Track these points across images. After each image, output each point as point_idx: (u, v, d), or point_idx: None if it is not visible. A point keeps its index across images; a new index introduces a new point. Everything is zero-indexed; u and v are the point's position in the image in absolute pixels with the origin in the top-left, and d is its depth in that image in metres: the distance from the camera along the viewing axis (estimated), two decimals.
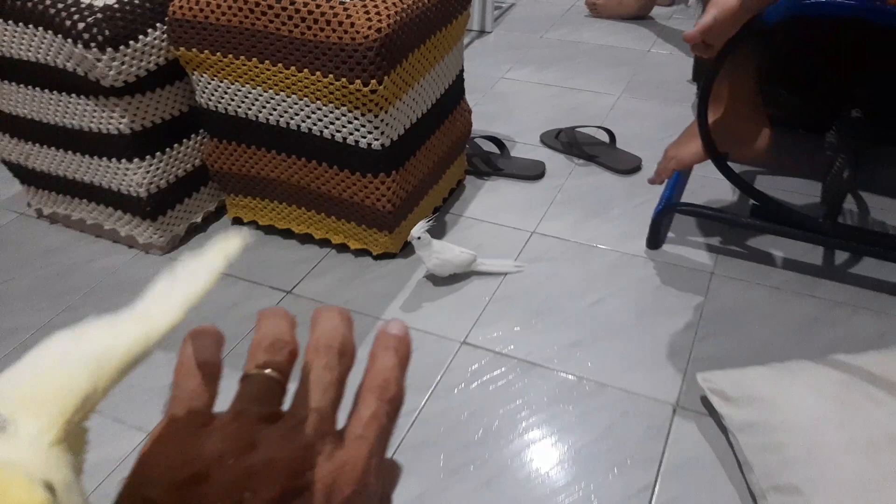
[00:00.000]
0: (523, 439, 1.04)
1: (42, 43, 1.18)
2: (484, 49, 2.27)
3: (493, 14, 2.38)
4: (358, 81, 1.10)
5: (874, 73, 1.35)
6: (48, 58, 1.19)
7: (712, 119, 1.23)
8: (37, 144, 1.36)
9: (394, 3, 1.12)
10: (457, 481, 0.98)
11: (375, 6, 1.09)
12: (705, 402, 1.08)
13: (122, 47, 1.14)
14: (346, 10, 1.07)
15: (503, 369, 1.15)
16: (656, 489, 0.97)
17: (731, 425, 0.98)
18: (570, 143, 1.70)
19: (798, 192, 1.53)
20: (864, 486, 0.84)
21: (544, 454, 1.02)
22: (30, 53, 1.21)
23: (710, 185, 1.55)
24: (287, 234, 1.44)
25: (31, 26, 1.17)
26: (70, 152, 1.32)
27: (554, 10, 2.53)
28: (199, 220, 1.44)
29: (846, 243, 1.25)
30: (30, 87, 1.27)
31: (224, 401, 0.29)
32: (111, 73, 1.14)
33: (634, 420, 1.06)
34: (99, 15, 1.12)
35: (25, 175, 1.44)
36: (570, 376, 1.13)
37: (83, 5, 1.13)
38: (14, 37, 1.21)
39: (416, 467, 1.00)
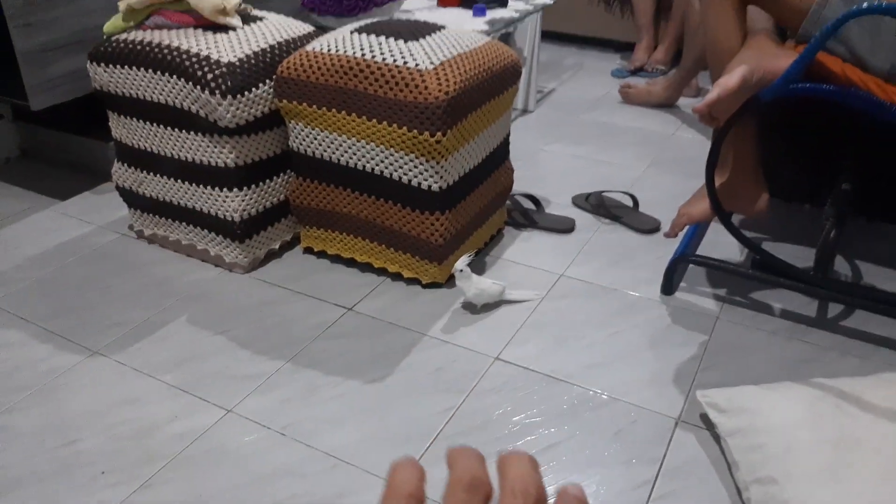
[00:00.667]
0: (544, 435, 1.22)
1: (174, 88, 1.47)
2: (527, 125, 2.55)
3: (535, 96, 2.67)
4: (426, 133, 1.36)
5: (861, 151, 1.57)
6: (177, 101, 1.48)
7: (718, 182, 1.45)
8: (150, 173, 1.63)
9: (460, 73, 1.39)
10: (489, 466, 1.16)
11: (445, 74, 1.36)
12: (704, 418, 1.25)
13: (239, 96, 1.42)
14: (422, 76, 1.35)
15: (530, 381, 1.34)
16: (656, 484, 1.14)
17: (722, 431, 1.16)
18: (598, 204, 1.93)
19: (797, 255, 1.73)
20: (829, 475, 1.01)
21: (560, 448, 1.20)
22: (161, 96, 1.50)
23: (720, 244, 1.75)
24: (351, 262, 1.67)
25: (166, 74, 1.47)
26: (179, 181, 1.59)
27: (590, 96, 2.82)
28: (276, 247, 1.69)
29: (834, 294, 1.44)
30: (155, 124, 1.56)
31: None
32: (228, 115, 1.42)
33: (641, 428, 1.24)
34: (224, 69, 1.41)
35: (134, 200, 1.71)
36: (587, 390, 1.32)
37: (212, 60, 1.42)
38: (150, 82, 1.50)
39: None
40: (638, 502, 1.10)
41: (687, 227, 1.72)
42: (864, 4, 1.15)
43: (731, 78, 1.24)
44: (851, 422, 1.08)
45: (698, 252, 1.72)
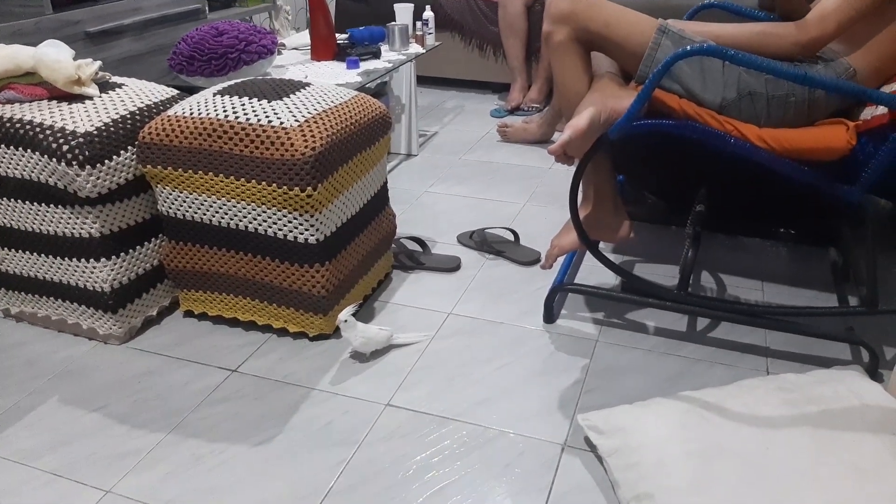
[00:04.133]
0: (436, 477, 1.23)
1: (29, 162, 1.42)
2: (410, 169, 2.61)
3: (418, 140, 2.74)
4: (297, 188, 1.37)
5: (711, 175, 1.70)
6: (32, 174, 1.43)
7: (583, 214, 1.54)
8: (12, 250, 1.56)
9: (326, 128, 1.42)
10: None
11: (311, 130, 1.39)
12: (587, 440, 1.30)
13: (98, 165, 1.39)
14: (287, 133, 1.36)
15: (421, 424, 1.35)
16: None
17: (602, 452, 1.21)
18: (481, 241, 1.99)
19: (668, 274, 1.84)
20: (698, 485, 1.07)
21: (452, 488, 1.21)
22: (17, 170, 1.44)
23: (597, 270, 1.84)
24: (234, 322, 1.64)
25: (20, 148, 1.41)
26: (44, 255, 1.52)
27: (470, 137, 2.92)
28: (154, 313, 1.63)
29: (698, 309, 1.54)
30: (13, 199, 1.49)
31: None
32: (88, 185, 1.38)
33: (529, 458, 1.27)
34: (81, 139, 1.38)
35: None
36: (476, 427, 1.34)
37: (68, 131, 1.38)
38: (4, 157, 1.44)
39: None
40: None
41: (563, 258, 1.80)
42: (689, 47, 1.26)
43: (580, 120, 1.33)
44: (716, 431, 1.15)
45: (577, 279, 1.81)
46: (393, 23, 2.47)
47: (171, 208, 1.51)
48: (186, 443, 1.30)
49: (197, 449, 1.29)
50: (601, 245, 1.87)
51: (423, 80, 3.48)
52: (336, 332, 1.60)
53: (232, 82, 1.55)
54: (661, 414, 1.21)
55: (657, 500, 1.07)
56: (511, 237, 2.02)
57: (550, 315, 1.65)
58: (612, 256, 1.93)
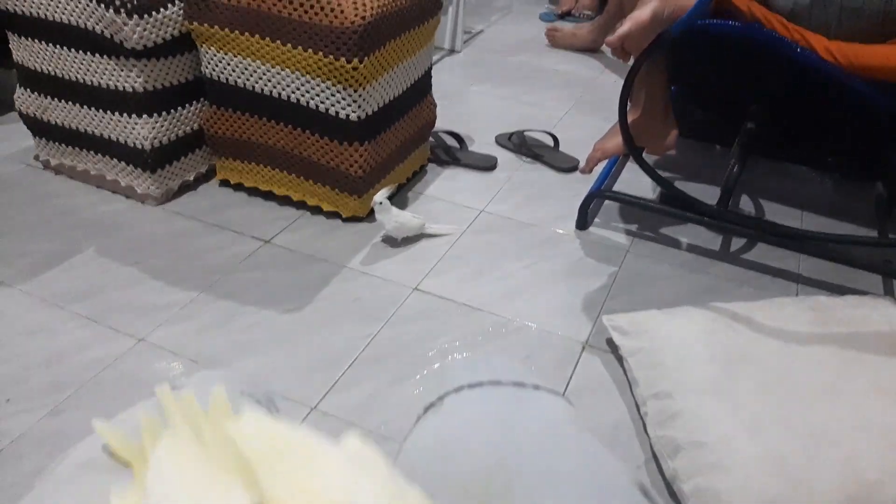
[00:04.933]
0: (456, 359, 1.26)
1: (77, 6, 1.39)
2: (453, 65, 2.54)
3: (463, 36, 2.65)
4: (343, 59, 1.34)
5: (766, 93, 1.64)
6: (80, 20, 1.41)
7: (631, 118, 1.49)
8: (55, 99, 1.55)
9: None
10: (400, 388, 1.19)
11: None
12: (609, 342, 1.31)
13: (146, 15, 1.36)
14: None
15: (446, 310, 1.37)
16: None
17: (624, 352, 1.22)
18: (520, 143, 1.95)
19: (706, 193, 1.81)
20: (717, 387, 1.08)
21: None
22: (63, 15, 1.42)
23: (634, 183, 1.81)
24: (269, 195, 1.65)
25: None
26: (86, 107, 1.52)
27: (517, 39, 2.82)
28: (191, 178, 1.64)
29: (735, 227, 1.51)
30: (57, 45, 1.48)
31: None
32: (134, 36, 1.36)
33: (549, 351, 1.29)
34: None
35: (39, 127, 1.63)
36: (501, 317, 1.36)
37: None
38: (52, 0, 1.42)
39: (367, 376, 1.20)
40: None
41: (603, 165, 1.77)
42: None
43: (643, 12, 1.27)
44: (741, 339, 1.15)
45: (613, 190, 1.78)
46: None
47: (214, 70, 1.49)
48: (219, 302, 1.34)
49: (229, 309, 1.32)
50: (644, 151, 1.83)
51: None
52: (368, 217, 1.61)
53: None
54: (687, 319, 1.21)
55: (675, 398, 1.09)
56: (550, 142, 1.98)
57: (584, 221, 1.64)
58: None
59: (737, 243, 1.64)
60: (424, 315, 1.35)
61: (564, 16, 3.05)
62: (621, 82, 1.40)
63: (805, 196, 1.85)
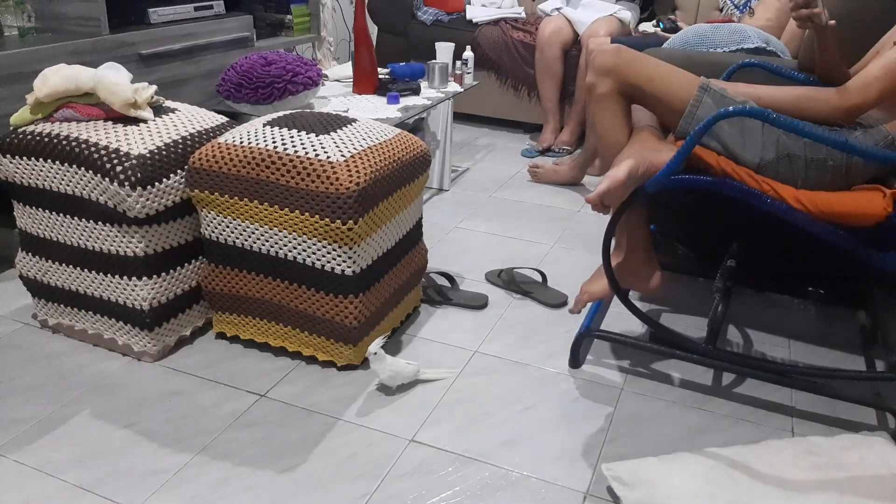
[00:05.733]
0: None
1: (81, 180, 1.47)
2: (441, 204, 2.64)
3: (450, 175, 2.78)
4: (339, 221, 1.41)
5: (744, 231, 1.71)
6: (84, 191, 1.48)
7: (615, 262, 1.56)
8: (56, 263, 1.60)
9: (370, 164, 1.46)
10: None
11: (356, 166, 1.42)
12: (610, 490, 1.30)
13: (149, 187, 1.43)
14: (332, 167, 1.40)
15: (444, 462, 1.36)
16: None
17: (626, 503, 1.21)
18: (509, 280, 2.01)
19: (697, 325, 1.84)
20: None
21: None
22: (69, 188, 1.49)
23: (624, 317, 1.85)
24: (265, 346, 1.67)
25: (74, 166, 1.46)
26: (86, 270, 1.57)
27: (501, 175, 2.96)
28: (187, 333, 1.67)
29: (725, 364, 1.54)
30: (60, 214, 1.54)
31: None
32: (137, 206, 1.43)
33: None
34: (134, 161, 1.43)
35: (39, 289, 1.66)
36: (499, 469, 1.35)
37: (122, 152, 1.43)
38: (58, 174, 1.49)
39: None
40: None
41: (591, 303, 1.81)
42: (732, 107, 1.29)
43: (619, 171, 1.35)
44: (742, 491, 1.15)
45: (603, 326, 1.82)
46: (434, 61, 2.53)
47: (213, 232, 1.55)
48: (213, 465, 1.32)
49: (223, 472, 1.31)
50: (630, 292, 1.88)
51: (456, 117, 3.53)
52: (363, 363, 1.63)
53: (279, 114, 1.60)
54: (686, 469, 1.21)
55: None
56: (539, 278, 2.04)
57: (576, 360, 1.66)
58: (639, 305, 1.94)
59: (728, 377, 1.66)
60: (421, 470, 1.34)
61: (545, 151, 3.21)
62: (602, 216, 1.47)
63: (791, 325, 1.89)
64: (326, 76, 2.57)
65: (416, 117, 2.47)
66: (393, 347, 1.71)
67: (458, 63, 2.66)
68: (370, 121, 1.63)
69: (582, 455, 1.39)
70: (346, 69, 2.65)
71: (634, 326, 1.83)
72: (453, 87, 2.55)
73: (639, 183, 1.39)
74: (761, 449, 1.26)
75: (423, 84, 2.51)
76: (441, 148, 2.69)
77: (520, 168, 3.03)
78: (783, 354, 1.75)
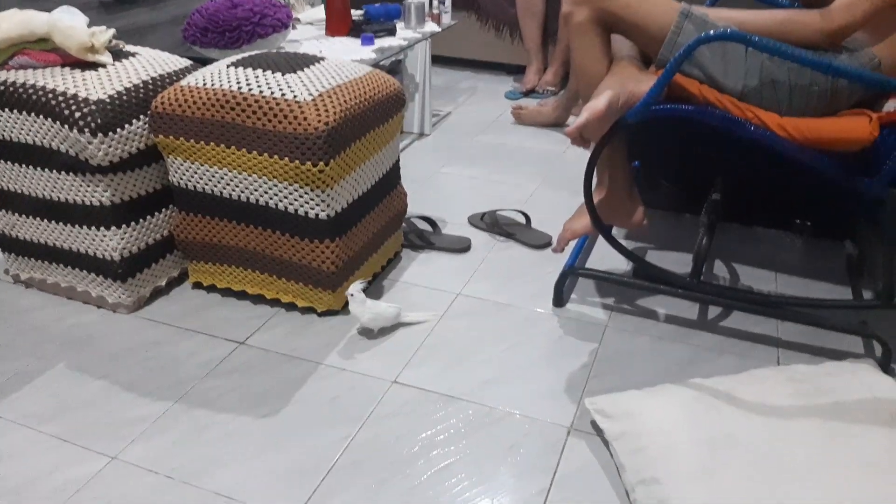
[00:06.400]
0: (441, 455, 1.23)
1: (41, 128, 1.41)
2: (423, 148, 2.59)
3: (431, 120, 2.72)
4: (309, 163, 1.36)
5: (728, 164, 1.68)
6: (44, 141, 1.42)
7: (597, 199, 1.52)
8: (23, 216, 1.56)
9: (340, 103, 1.40)
10: (384, 491, 1.16)
11: (325, 105, 1.37)
12: (594, 424, 1.29)
13: (110, 133, 1.38)
14: (300, 107, 1.35)
15: (427, 402, 1.35)
16: (550, 492, 1.16)
17: (609, 436, 1.20)
18: (492, 223, 1.97)
19: (682, 262, 1.82)
20: (705, 472, 1.06)
21: (457, 466, 1.21)
22: (29, 136, 1.44)
23: (608, 256, 1.83)
24: (242, 295, 1.64)
25: (32, 114, 1.41)
26: (54, 222, 1.52)
27: (484, 118, 2.90)
28: (162, 283, 1.63)
29: (710, 297, 1.52)
30: (23, 165, 1.49)
31: None
32: (99, 153, 1.38)
33: (534, 439, 1.27)
34: (93, 106, 1.37)
35: (9, 244, 1.62)
36: (482, 406, 1.34)
37: (80, 98, 1.38)
38: (16, 123, 1.44)
39: (346, 482, 1.17)
40: None
41: (575, 242, 1.78)
42: (712, 32, 1.24)
43: (598, 102, 1.31)
44: (725, 419, 1.14)
45: (588, 265, 1.79)
46: (409, 0, 2.44)
47: (182, 179, 1.50)
48: (193, 412, 1.31)
49: (203, 419, 1.29)
50: (613, 230, 1.85)
51: (437, 60, 3.44)
52: (344, 309, 1.60)
53: (245, 54, 1.54)
54: (669, 400, 1.20)
55: (664, 485, 1.06)
56: (522, 220, 2.00)
57: (560, 299, 1.64)
58: (624, 242, 1.91)
59: (714, 311, 1.64)
60: (404, 410, 1.33)
61: (529, 93, 3.14)
62: (586, 155, 1.43)
63: (777, 258, 1.87)
64: (298, 19, 2.48)
65: (393, 59, 2.40)
66: (375, 292, 1.68)
67: (436, 2, 2.56)
68: (340, 59, 1.57)
69: (566, 391, 1.38)
70: (320, 12, 2.55)
71: (619, 264, 1.81)
72: (431, 27, 2.47)
73: (619, 114, 1.34)
74: (745, 378, 1.25)
75: (399, 25, 2.43)
76: (420, 91, 2.62)
77: (503, 111, 2.96)
78: (770, 287, 1.74)
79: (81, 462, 1.20)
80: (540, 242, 1.90)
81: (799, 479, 1.03)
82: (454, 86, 3.32)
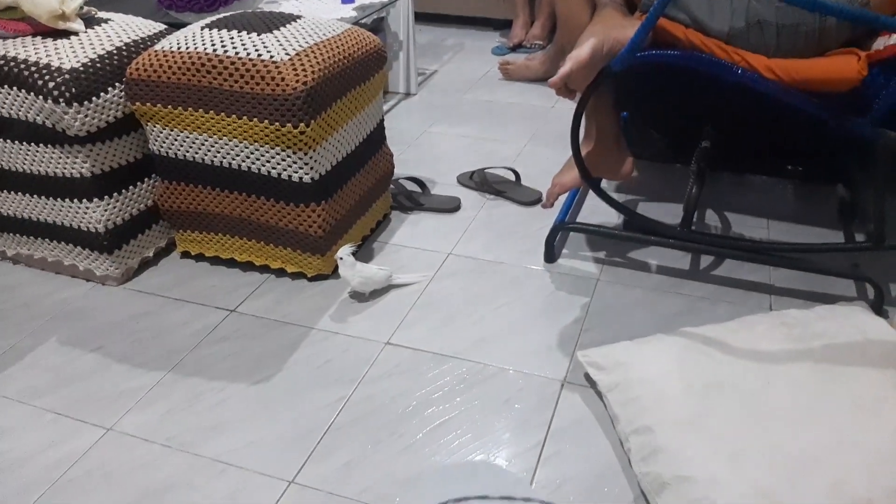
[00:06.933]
0: (436, 413, 1.23)
1: (15, 100, 1.38)
2: (409, 108, 2.55)
3: (417, 79, 2.67)
4: (289, 125, 1.33)
5: (716, 110, 1.65)
6: (19, 113, 1.39)
7: (584, 151, 1.50)
8: (4, 191, 1.53)
9: (318, 62, 1.37)
10: (380, 450, 1.16)
11: (302, 64, 1.34)
12: (587, 377, 1.29)
13: (86, 102, 1.35)
14: (277, 67, 1.32)
15: (420, 362, 1.35)
16: (545, 446, 1.17)
17: (602, 388, 1.20)
18: (482, 181, 1.95)
19: (673, 212, 1.81)
20: (696, 419, 1.06)
21: (452, 422, 1.21)
22: (2, 109, 1.41)
23: (599, 210, 1.81)
24: (231, 262, 1.63)
25: (5, 86, 1.37)
26: (35, 196, 1.50)
27: (471, 75, 2.85)
28: (150, 254, 1.62)
29: (702, 246, 1.51)
30: (0, 139, 1.46)
31: None
32: (76, 123, 1.35)
33: (528, 394, 1.27)
34: (67, 76, 1.34)
35: None
36: (476, 364, 1.34)
37: (53, 67, 1.34)
38: None
39: (343, 442, 1.17)
40: (528, 464, 1.13)
41: (565, 197, 1.77)
42: None
43: (582, 51, 1.27)
44: (716, 365, 1.14)
45: (578, 219, 1.78)
46: None
47: (162, 147, 1.48)
48: (186, 381, 1.30)
49: (196, 387, 1.29)
50: (603, 184, 1.83)
51: (421, 18, 3.37)
52: (334, 273, 1.59)
53: (218, 15, 1.50)
54: (661, 349, 1.20)
55: (656, 433, 1.07)
56: (512, 177, 1.98)
57: (551, 254, 1.63)
58: (614, 195, 1.90)
59: (706, 260, 1.64)
60: (398, 370, 1.33)
61: (516, 48, 3.09)
62: (574, 110, 1.41)
63: (769, 205, 1.86)
64: None
65: (374, 17, 2.34)
66: (365, 255, 1.67)
67: None
68: (317, 17, 1.53)
69: (558, 346, 1.38)
70: None
71: (610, 218, 1.80)
72: None
73: (604, 62, 1.31)
74: (736, 325, 1.25)
75: None
76: (405, 50, 2.57)
77: (490, 67, 2.91)
78: (762, 235, 1.73)
79: (78, 435, 1.20)
80: (530, 199, 1.88)
81: (791, 423, 1.03)
82: (439, 43, 3.26)
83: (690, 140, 1.72)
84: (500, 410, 1.23)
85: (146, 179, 1.55)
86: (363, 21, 2.15)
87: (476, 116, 2.46)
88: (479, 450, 1.16)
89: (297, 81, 1.31)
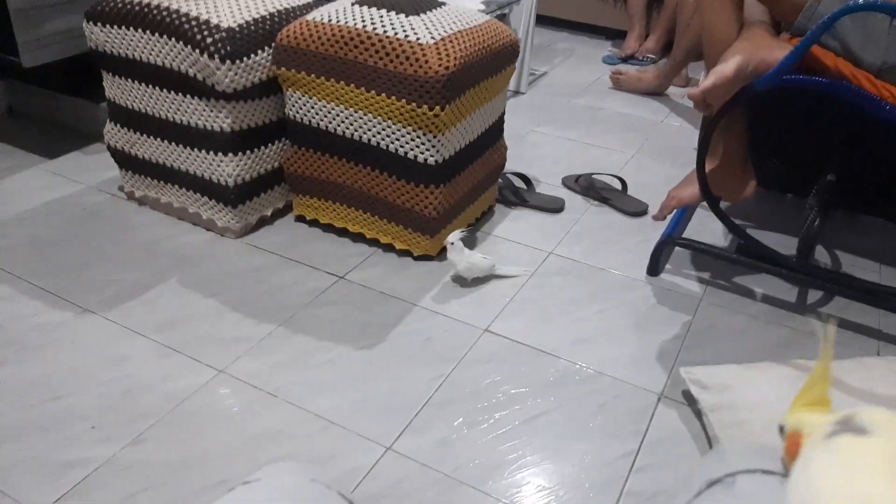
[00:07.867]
0: (530, 405, 1.25)
1: (172, 50, 1.46)
2: (518, 106, 2.57)
3: (528, 78, 2.68)
4: (426, 107, 1.37)
5: (847, 145, 1.61)
6: (174, 63, 1.48)
7: (709, 168, 1.49)
8: (144, 135, 1.63)
9: (460, 49, 1.40)
10: (475, 432, 1.19)
11: (446, 49, 1.37)
12: (686, 395, 1.29)
13: (237, 61, 1.42)
14: (422, 49, 1.35)
15: (517, 353, 1.37)
16: (637, 456, 1.17)
17: (704, 407, 1.20)
18: (587, 186, 1.96)
19: (779, 243, 1.77)
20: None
21: (546, 417, 1.23)
22: (158, 58, 1.49)
23: (705, 230, 1.79)
24: (343, 232, 1.69)
25: (164, 36, 1.46)
26: (174, 144, 1.59)
27: (581, 81, 2.84)
28: (268, 213, 1.69)
29: (815, 281, 1.48)
30: (150, 85, 1.55)
31: None
32: (226, 80, 1.42)
33: (624, 402, 1.27)
34: (224, 34, 1.41)
35: (126, 161, 1.70)
36: (572, 364, 1.35)
37: (212, 24, 1.42)
38: (148, 43, 1.49)
39: (440, 418, 1.21)
40: (620, 472, 1.14)
41: (674, 212, 1.75)
42: (859, 0, 1.18)
43: (728, 66, 1.27)
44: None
45: (685, 236, 1.76)
46: None
47: (298, 113, 1.54)
48: (295, 337, 1.36)
49: (305, 344, 1.35)
50: (720, 201, 1.81)
51: (536, 19, 3.38)
52: (439, 255, 1.63)
53: None
54: (770, 376, 1.19)
55: None
56: (618, 186, 1.98)
57: (655, 268, 1.62)
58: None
59: (813, 296, 1.60)
60: (495, 358, 1.35)
61: (627, 59, 3.07)
62: (688, 127, 1.40)
63: (881, 250, 1.80)
64: None
65: (499, 13, 2.37)
66: (468, 243, 1.69)
67: None
68: (460, 4, 1.57)
69: (657, 359, 1.38)
70: None
71: (716, 239, 1.78)
72: None
73: (746, 81, 1.30)
74: (852, 364, 1.22)
75: None
76: (521, 48, 2.58)
77: (600, 75, 2.90)
78: (874, 278, 1.68)
79: (190, 372, 1.27)
80: (636, 210, 1.88)
81: None
82: (551, 46, 3.26)
83: (812, 171, 1.68)
84: (595, 413, 1.24)
85: (276, 142, 1.62)
86: (488, 14, 2.17)
87: (583, 121, 2.46)
88: (573, 447, 1.17)
89: (440, 65, 1.34)
